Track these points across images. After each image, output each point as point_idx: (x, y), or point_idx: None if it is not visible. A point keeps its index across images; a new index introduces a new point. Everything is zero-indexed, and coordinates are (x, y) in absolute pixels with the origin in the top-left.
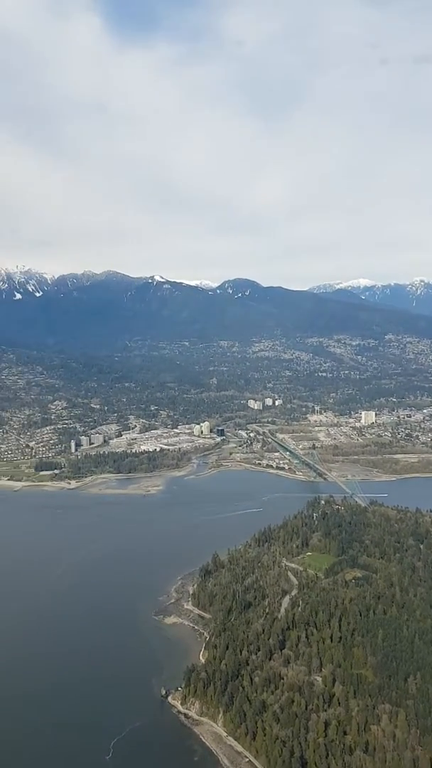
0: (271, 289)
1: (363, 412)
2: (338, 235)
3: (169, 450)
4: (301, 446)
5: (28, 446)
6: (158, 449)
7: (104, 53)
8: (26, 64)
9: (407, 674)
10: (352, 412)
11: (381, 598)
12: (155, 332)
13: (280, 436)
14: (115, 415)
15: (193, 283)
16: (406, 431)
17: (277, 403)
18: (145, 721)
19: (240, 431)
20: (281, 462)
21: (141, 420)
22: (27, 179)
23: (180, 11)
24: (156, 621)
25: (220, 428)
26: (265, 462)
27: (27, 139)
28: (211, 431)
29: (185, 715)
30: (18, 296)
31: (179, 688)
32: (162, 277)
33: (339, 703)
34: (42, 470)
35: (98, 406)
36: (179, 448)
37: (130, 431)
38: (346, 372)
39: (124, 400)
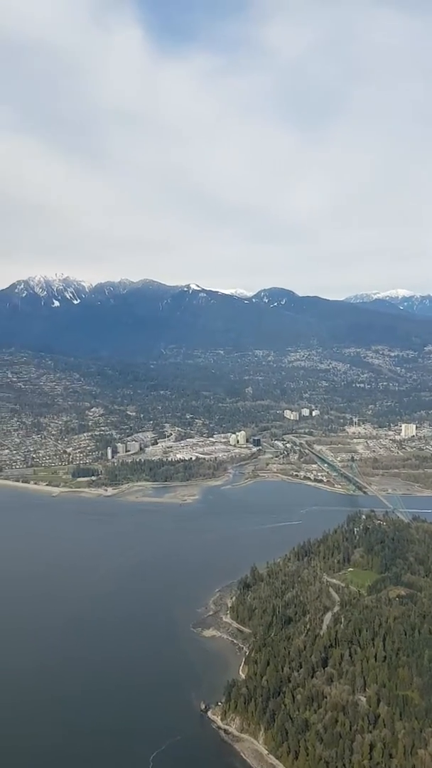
0: (308, 299)
1: (403, 425)
2: (376, 244)
3: (205, 459)
4: (339, 458)
5: (65, 452)
6: (194, 458)
7: (144, 65)
8: (69, 76)
9: None
10: (392, 425)
11: (426, 617)
12: (190, 340)
13: (317, 447)
14: (151, 422)
15: (228, 291)
16: None
17: (314, 413)
18: (184, 735)
19: (276, 441)
20: (319, 474)
21: (176, 428)
22: (67, 189)
23: (219, 23)
24: (194, 633)
25: (256, 438)
26: (302, 473)
27: (68, 149)
28: (247, 441)
29: (225, 730)
30: (56, 303)
31: (219, 703)
32: (198, 286)
33: (384, 725)
34: (79, 476)
35: (134, 414)
36: (215, 458)
37: (166, 439)
38: (385, 383)
39: (160, 407)
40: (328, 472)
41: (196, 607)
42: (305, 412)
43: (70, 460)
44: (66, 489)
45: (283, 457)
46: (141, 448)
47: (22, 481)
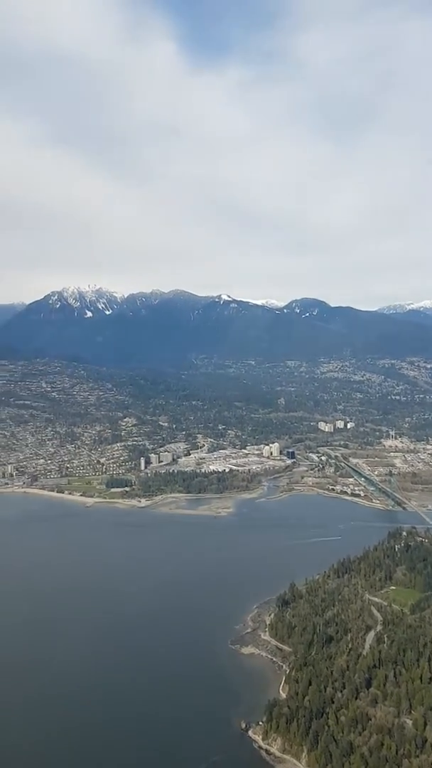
0: (340, 309)
1: None
2: (409, 255)
3: (238, 471)
4: (376, 472)
5: (99, 462)
6: (227, 470)
7: (178, 78)
8: (104, 90)
9: None
10: (430, 438)
11: None
12: (221, 351)
13: (353, 460)
14: (183, 433)
15: (259, 302)
16: None
17: (349, 426)
18: (225, 754)
19: (311, 454)
20: (356, 488)
21: (209, 439)
22: (100, 201)
23: (252, 35)
24: (232, 650)
25: (290, 450)
26: (339, 488)
27: (102, 162)
28: (280, 453)
29: (267, 750)
30: (89, 314)
31: (260, 722)
32: (229, 296)
33: None
34: (113, 487)
35: (166, 424)
36: (249, 470)
37: (199, 450)
38: (421, 396)
39: (192, 418)
40: (365, 487)
41: (234, 624)
42: (340, 424)
43: (104, 470)
44: (100, 499)
45: (318, 471)
46: (174, 459)
47: (57, 491)
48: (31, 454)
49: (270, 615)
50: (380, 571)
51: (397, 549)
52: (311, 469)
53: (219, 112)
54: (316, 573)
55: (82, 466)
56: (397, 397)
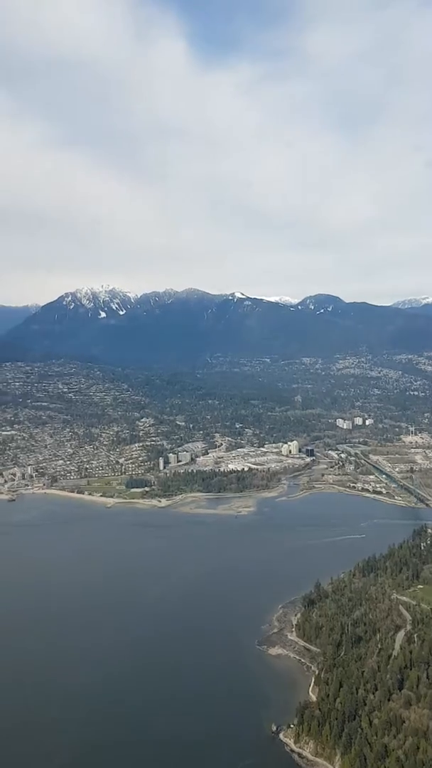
0: (355, 305)
1: None
2: (423, 249)
3: (257, 470)
4: (397, 469)
5: (117, 462)
6: (246, 468)
7: (188, 76)
8: (115, 90)
9: None
10: None
11: None
12: (236, 349)
13: (373, 457)
14: (201, 432)
15: (273, 299)
16: None
17: (367, 422)
18: (257, 758)
19: (330, 451)
20: (378, 486)
21: (227, 438)
22: (112, 201)
23: (262, 32)
24: (260, 651)
25: (309, 448)
26: (360, 485)
27: (114, 162)
28: (299, 451)
29: (299, 754)
30: (103, 315)
31: (291, 725)
32: (242, 294)
33: None
34: (132, 487)
35: (183, 423)
36: (268, 468)
37: (217, 449)
38: None
39: (209, 417)
40: (387, 484)
41: (260, 624)
42: (358, 421)
43: (123, 470)
44: (120, 500)
45: (338, 468)
46: (192, 459)
47: (77, 492)
48: (50, 455)
49: (296, 615)
50: (407, 570)
51: (423, 547)
52: (331, 467)
53: (230, 109)
54: (341, 572)
55: (101, 466)
56: (415, 393)
